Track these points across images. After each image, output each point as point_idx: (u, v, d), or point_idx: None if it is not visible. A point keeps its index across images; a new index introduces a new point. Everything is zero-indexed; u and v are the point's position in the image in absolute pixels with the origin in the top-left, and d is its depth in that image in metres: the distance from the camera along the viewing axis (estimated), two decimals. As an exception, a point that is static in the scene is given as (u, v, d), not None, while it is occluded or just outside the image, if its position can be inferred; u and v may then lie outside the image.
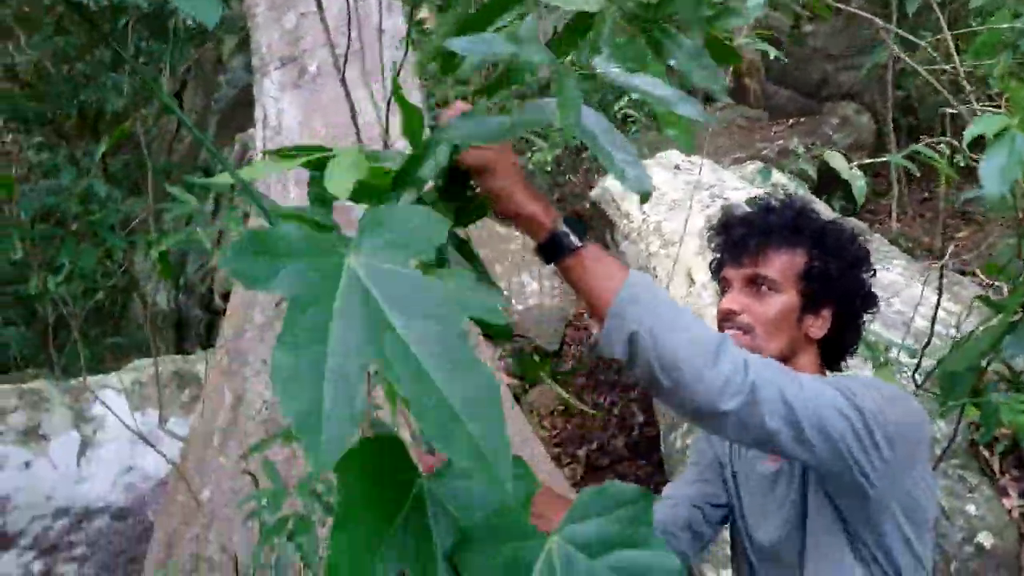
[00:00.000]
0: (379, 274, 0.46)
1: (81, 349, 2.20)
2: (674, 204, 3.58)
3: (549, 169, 7.29)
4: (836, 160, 1.89)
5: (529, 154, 7.31)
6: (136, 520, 3.47)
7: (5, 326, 4.85)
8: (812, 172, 2.33)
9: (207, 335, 5.93)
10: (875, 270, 1.25)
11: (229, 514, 2.83)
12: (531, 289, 5.51)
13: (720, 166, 4.56)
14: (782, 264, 1.18)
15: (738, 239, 1.21)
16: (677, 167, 4.05)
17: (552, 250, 0.96)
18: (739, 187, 3.74)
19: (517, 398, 4.55)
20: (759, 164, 5.61)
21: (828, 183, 5.83)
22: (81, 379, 2.87)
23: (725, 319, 1.19)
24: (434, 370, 0.43)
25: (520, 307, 5.38)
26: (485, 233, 5.85)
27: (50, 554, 3.29)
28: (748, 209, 1.27)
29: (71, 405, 3.43)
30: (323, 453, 0.40)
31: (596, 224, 4.44)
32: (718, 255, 1.28)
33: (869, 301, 1.23)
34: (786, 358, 1.17)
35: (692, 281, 2.96)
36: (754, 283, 1.19)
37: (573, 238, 0.96)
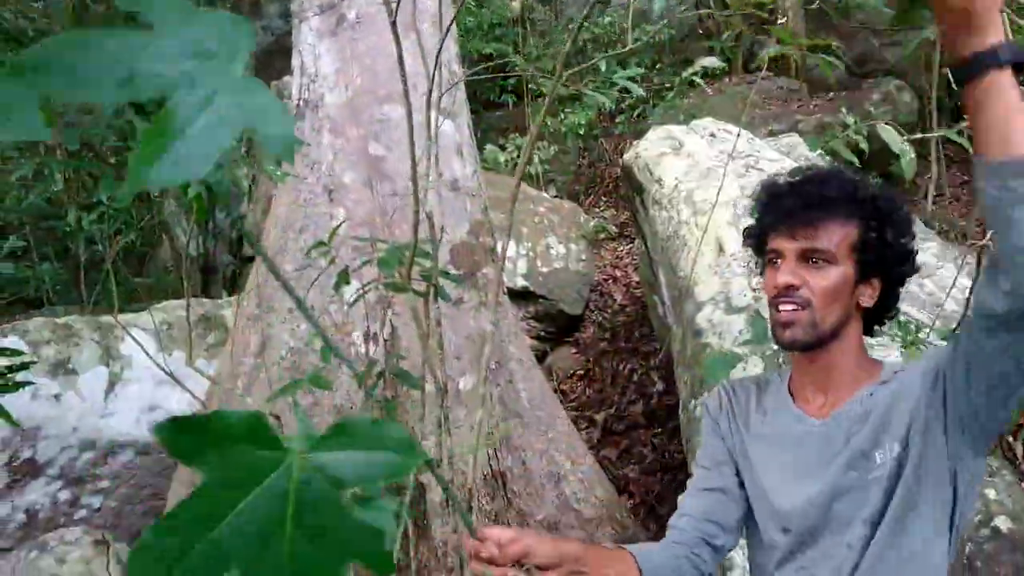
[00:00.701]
0: (309, 486, 0.42)
1: (113, 287, 2.23)
2: (707, 172, 3.54)
3: (581, 132, 7.22)
4: (888, 132, 1.85)
5: (562, 116, 7.24)
6: (159, 457, 3.55)
7: (39, 262, 4.94)
8: (864, 143, 2.27)
9: (233, 282, 5.99)
10: (916, 235, 1.24)
11: (251, 456, 2.89)
12: (556, 253, 5.49)
13: (755, 137, 4.49)
14: (838, 236, 1.17)
15: (791, 210, 1.18)
16: (712, 135, 3.99)
17: (983, 61, 0.91)
18: (774, 158, 3.69)
19: (539, 359, 4.57)
20: (795, 137, 5.51)
21: (866, 161, 5.73)
22: (111, 317, 2.91)
23: (782, 294, 1.18)
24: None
25: (545, 270, 5.37)
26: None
27: (77, 484, 3.38)
28: (796, 178, 1.24)
29: (100, 341, 3.50)
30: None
31: (627, 189, 4.41)
32: (762, 223, 1.25)
33: (914, 268, 1.23)
34: (838, 330, 1.18)
35: (722, 251, 2.94)
36: (809, 256, 1.17)
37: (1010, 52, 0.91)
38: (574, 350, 5.43)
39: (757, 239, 1.28)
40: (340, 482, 0.42)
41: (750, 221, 1.32)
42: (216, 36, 0.40)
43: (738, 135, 3.56)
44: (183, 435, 0.41)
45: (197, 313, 3.70)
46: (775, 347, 2.01)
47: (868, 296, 1.20)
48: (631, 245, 6.40)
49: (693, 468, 1.36)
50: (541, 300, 5.36)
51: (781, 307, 1.18)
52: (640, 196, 3.90)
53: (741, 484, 1.30)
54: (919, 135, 3.02)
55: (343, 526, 0.41)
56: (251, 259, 5.00)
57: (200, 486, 0.40)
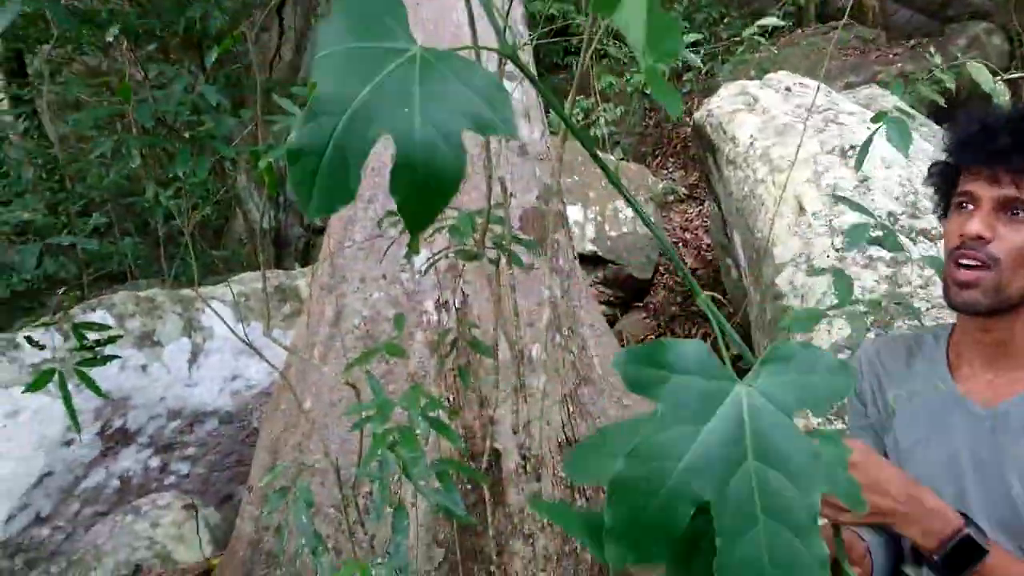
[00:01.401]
0: (760, 414, 0.42)
1: (192, 261, 2.28)
2: (783, 128, 3.40)
3: (648, 91, 7.05)
4: (979, 71, 1.72)
5: (628, 76, 7.09)
6: (241, 425, 3.65)
7: (121, 237, 5.11)
8: (951, 83, 2.13)
9: (305, 253, 6.10)
10: None
11: (329, 423, 2.94)
12: (625, 216, 5.40)
13: (832, 90, 4.30)
14: None
15: (1001, 149, 1.00)
16: (787, 89, 3.83)
17: (960, 553, 0.87)
18: (854, 111, 3.52)
19: (610, 325, 4.52)
20: (874, 88, 5.26)
21: (947, 111, 5.44)
22: (191, 289, 2.99)
23: (967, 246, 1.02)
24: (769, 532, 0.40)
25: (614, 234, 5.29)
26: (579, 157, 5.73)
27: (165, 452, 3.51)
28: (1011, 113, 1.05)
29: (182, 314, 3.60)
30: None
31: (697, 149, 4.29)
32: (959, 160, 1.08)
33: None
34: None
35: (802, 210, 2.82)
36: (1010, 207, 1.01)
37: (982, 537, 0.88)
38: (644, 315, 5.36)
39: (945, 177, 1.12)
40: (786, 405, 0.42)
41: (935, 165, 1.14)
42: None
43: (817, 88, 3.41)
44: (640, 366, 0.43)
45: (272, 284, 3.77)
46: (864, 307, 1.92)
47: None
48: (701, 207, 6.25)
49: None
50: (610, 265, 5.30)
51: (962, 262, 1.03)
52: (712, 155, 3.79)
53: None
54: (1014, 74, 2.83)
55: (798, 452, 0.41)
56: (322, 231, 5.07)
57: (659, 416, 0.42)
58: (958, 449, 1.05)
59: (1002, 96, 1.72)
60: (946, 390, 1.09)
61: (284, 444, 3.07)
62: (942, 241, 1.09)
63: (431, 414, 1.74)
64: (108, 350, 1.90)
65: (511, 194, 3.00)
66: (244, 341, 2.49)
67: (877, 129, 1.66)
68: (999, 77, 1.76)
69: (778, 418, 0.42)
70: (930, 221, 2.70)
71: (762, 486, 0.40)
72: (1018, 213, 1.00)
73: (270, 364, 2.67)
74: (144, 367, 3.42)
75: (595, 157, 0.52)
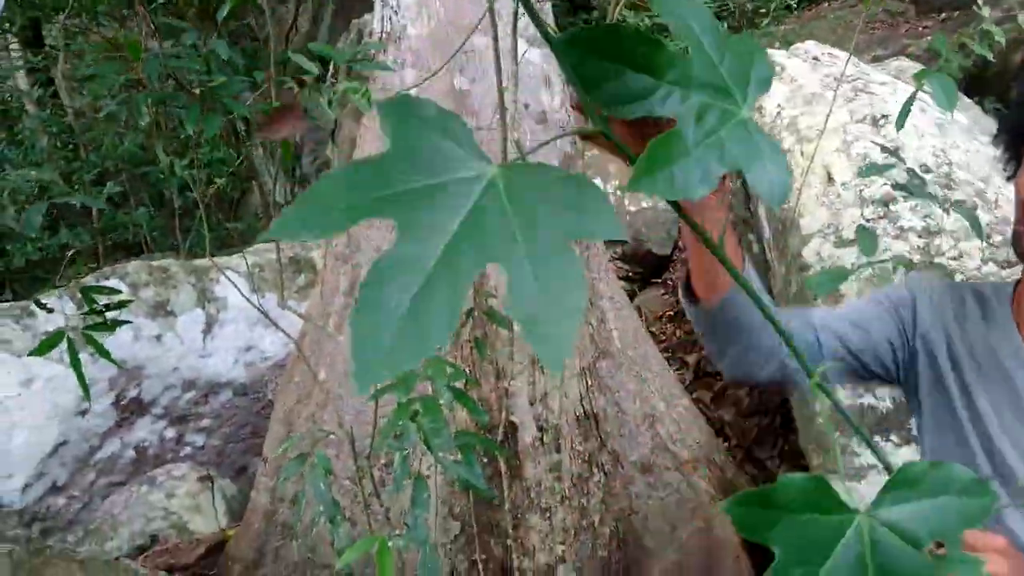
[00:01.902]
0: (884, 548, 0.39)
1: (206, 231, 2.23)
2: (811, 98, 3.30)
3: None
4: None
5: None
6: (256, 397, 3.63)
7: (136, 208, 5.09)
8: (1000, 36, 2.03)
9: (321, 226, 6.05)
10: None
11: (344, 394, 2.90)
12: (644, 190, 5.31)
13: (860, 62, 4.18)
14: None
15: None
16: (815, 59, 3.72)
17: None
18: (885, 81, 3.41)
19: (630, 299, 4.46)
20: (903, 61, 5.12)
21: (979, 84, 5.29)
22: (206, 260, 2.96)
23: None
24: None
25: (633, 209, 5.20)
26: (599, 131, 5.64)
27: (180, 423, 3.50)
28: None
29: (196, 284, 3.57)
30: None
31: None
32: None
33: None
34: None
35: (831, 180, 2.74)
36: None
37: None
38: (663, 291, 5.28)
39: (1014, 134, 1.07)
40: (915, 537, 0.40)
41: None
42: (736, 74, 0.44)
43: (848, 58, 3.30)
44: (750, 509, 0.42)
45: (287, 255, 3.73)
46: (888, 266, 1.84)
47: None
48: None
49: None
50: (629, 240, 5.22)
51: None
52: (737, 126, 3.69)
53: (898, 371, 1.13)
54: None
55: None
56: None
57: (775, 564, 0.41)
58: (1015, 406, 1.01)
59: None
60: (1018, 352, 1.03)
61: (298, 416, 3.03)
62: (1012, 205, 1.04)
63: (456, 384, 1.69)
64: (120, 317, 1.86)
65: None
66: (259, 310, 2.45)
67: (920, 86, 1.58)
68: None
69: (904, 551, 0.39)
70: (965, 192, 2.60)
71: None
72: None
73: (285, 334, 2.63)
74: (158, 337, 3.40)
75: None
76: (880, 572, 0.38)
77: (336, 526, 1.63)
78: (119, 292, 1.82)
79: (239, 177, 5.86)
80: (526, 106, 3.07)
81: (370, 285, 0.35)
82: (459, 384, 1.77)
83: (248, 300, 2.46)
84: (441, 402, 1.47)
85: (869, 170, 1.73)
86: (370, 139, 3.09)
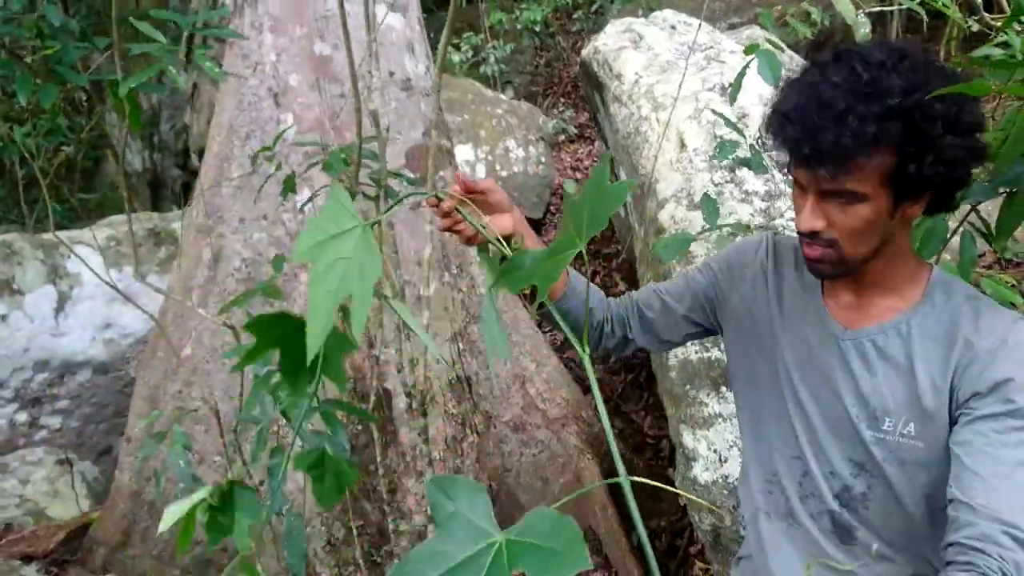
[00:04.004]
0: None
1: (50, 203, 2.11)
2: (667, 66, 3.44)
3: (538, 29, 6.98)
4: (842, 3, 1.77)
5: (517, 13, 6.98)
6: (117, 375, 3.48)
7: (-28, 179, 4.71)
8: (817, 15, 2.18)
9: (183, 195, 5.80)
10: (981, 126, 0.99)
11: (211, 369, 2.84)
12: (516, 156, 5.38)
13: (715, 30, 4.37)
14: (868, 173, 0.94)
15: (809, 139, 0.94)
16: (672, 27, 3.87)
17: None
18: (736, 50, 3.59)
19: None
20: (755, 29, 5.38)
21: (826, 40, 5.63)
22: (53, 235, 2.79)
23: (804, 234, 1.02)
24: None
25: (504, 173, 5.27)
26: (470, 96, 5.64)
27: (34, 405, 3.31)
28: (808, 101, 0.96)
29: (45, 260, 3.37)
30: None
31: (585, 87, 4.29)
32: (781, 143, 1.02)
33: (979, 159, 0.99)
34: (876, 253, 1.03)
35: (684, 146, 2.88)
36: (834, 196, 0.97)
37: None
38: (536, 254, 5.39)
39: (786, 160, 1.06)
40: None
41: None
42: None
43: (699, 27, 3.45)
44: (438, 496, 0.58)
45: (145, 228, 3.57)
46: (731, 228, 1.98)
47: (915, 211, 1.01)
48: (591, 147, 6.30)
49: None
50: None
51: (805, 245, 1.04)
52: (599, 93, 3.80)
53: (701, 327, 1.30)
54: (877, 7, 2.92)
55: None
56: (199, 171, 4.81)
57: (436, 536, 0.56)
58: (811, 360, 1.11)
59: (863, 27, 1.78)
60: (815, 305, 1.13)
61: (164, 392, 2.95)
62: None
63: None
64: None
65: (394, 131, 2.92)
66: (111, 285, 2.35)
67: (750, 61, 1.70)
68: (861, 10, 1.82)
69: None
70: (802, 157, 2.80)
71: None
72: (845, 199, 0.97)
73: (143, 311, 2.54)
74: (3, 317, 3.20)
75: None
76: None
77: (199, 503, 1.61)
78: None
79: (89, 145, 5.51)
80: (391, 73, 3.06)
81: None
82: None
83: (99, 276, 2.35)
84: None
85: (723, 152, 1.86)
86: (228, 105, 2.99)
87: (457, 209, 1.04)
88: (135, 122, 1.96)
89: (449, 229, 1.08)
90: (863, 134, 0.91)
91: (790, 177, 1.07)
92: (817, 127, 0.94)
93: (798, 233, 1.04)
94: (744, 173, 2.74)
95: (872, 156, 0.93)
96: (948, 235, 1.25)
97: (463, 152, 5.19)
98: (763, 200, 2.66)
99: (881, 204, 0.97)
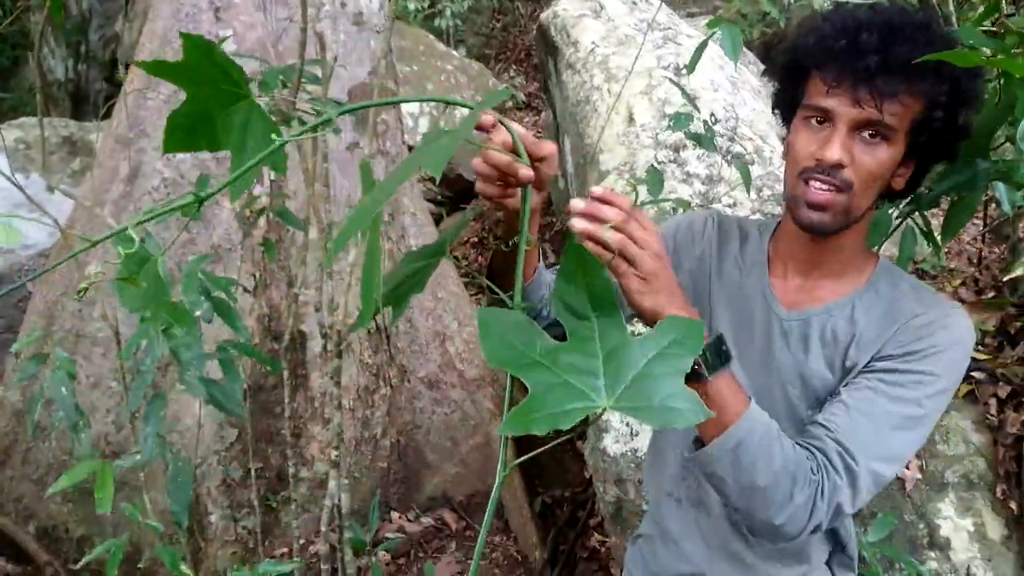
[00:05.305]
0: None
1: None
2: (624, 39, 3.40)
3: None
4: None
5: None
6: (13, 287, 3.28)
7: None
8: (776, 12, 2.18)
9: (108, 109, 5.50)
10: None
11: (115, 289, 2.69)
12: (460, 113, 5.28)
13: (674, 13, 4.36)
14: (907, 109, 0.91)
15: (868, 69, 0.89)
16: (634, 3, 3.83)
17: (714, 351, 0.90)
18: (693, 35, 3.58)
19: (435, 223, 4.46)
20: (711, 19, 5.40)
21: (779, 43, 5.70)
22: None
23: (821, 169, 0.94)
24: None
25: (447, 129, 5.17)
26: (421, 47, 5.50)
27: (-85, 310, 3.09)
28: (878, 22, 0.92)
29: (-56, 155, 3.12)
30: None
31: (539, 52, 4.22)
32: (816, 67, 0.95)
33: (965, 138, 0.98)
34: (857, 220, 0.99)
35: (632, 120, 2.85)
36: (868, 128, 0.92)
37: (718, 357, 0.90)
38: (473, 220, 5.33)
39: (793, 82, 1.01)
40: None
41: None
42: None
43: (659, 7, 3.43)
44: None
45: (60, 135, 3.35)
46: (672, 203, 1.96)
47: (901, 178, 0.98)
48: (537, 117, 6.25)
49: None
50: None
51: (815, 184, 0.95)
52: (553, 58, 3.74)
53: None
54: None
55: None
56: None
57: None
58: (752, 340, 1.08)
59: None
60: (760, 285, 1.10)
61: (62, 310, 2.78)
62: (783, 151, 1.03)
63: (218, 294, 1.59)
64: None
65: (340, 64, 2.80)
66: (18, 187, 2.19)
67: (712, 34, 1.67)
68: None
69: None
70: (746, 146, 2.82)
71: None
72: (875, 136, 0.93)
73: (50, 218, 2.37)
74: None
75: None
76: None
77: (78, 432, 1.50)
78: None
79: (9, 44, 5.15)
80: (343, 4, 2.93)
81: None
82: (235, 291, 1.68)
83: (7, 178, 2.18)
84: (198, 313, 1.38)
85: (679, 124, 1.83)
86: (164, 13, 2.81)
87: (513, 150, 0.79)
88: (56, 11, 1.81)
89: (491, 198, 0.86)
90: (928, 70, 0.88)
91: (785, 127, 1.03)
92: (893, 38, 0.90)
93: (806, 170, 0.97)
94: (687, 155, 2.73)
95: (921, 88, 0.91)
96: (891, 229, 1.26)
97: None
98: (703, 183, 2.67)
99: (896, 153, 0.94)
